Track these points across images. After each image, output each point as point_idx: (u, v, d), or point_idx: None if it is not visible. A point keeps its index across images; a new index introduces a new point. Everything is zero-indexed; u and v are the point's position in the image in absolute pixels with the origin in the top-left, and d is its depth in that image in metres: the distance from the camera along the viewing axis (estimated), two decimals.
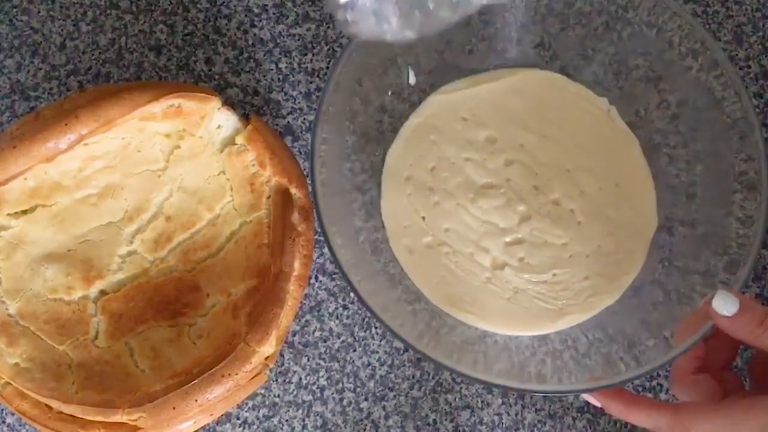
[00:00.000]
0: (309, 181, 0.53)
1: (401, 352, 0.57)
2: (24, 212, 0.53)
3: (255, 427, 0.56)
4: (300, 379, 0.57)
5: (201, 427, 0.54)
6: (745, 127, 0.44)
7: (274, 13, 0.62)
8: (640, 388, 0.56)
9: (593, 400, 0.43)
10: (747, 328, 0.39)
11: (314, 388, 0.57)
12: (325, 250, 0.58)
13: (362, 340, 0.57)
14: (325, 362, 0.57)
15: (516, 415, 0.56)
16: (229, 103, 0.57)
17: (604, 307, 0.50)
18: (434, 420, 0.56)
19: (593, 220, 0.51)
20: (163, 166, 0.55)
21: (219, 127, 0.55)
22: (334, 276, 0.58)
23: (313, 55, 0.62)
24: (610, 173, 0.52)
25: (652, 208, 0.51)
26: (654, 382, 0.57)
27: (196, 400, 0.49)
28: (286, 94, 0.61)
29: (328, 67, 0.61)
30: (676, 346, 0.42)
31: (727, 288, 0.41)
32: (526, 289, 0.51)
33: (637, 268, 0.50)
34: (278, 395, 0.57)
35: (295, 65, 0.62)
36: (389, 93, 0.53)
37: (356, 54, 0.47)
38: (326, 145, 0.47)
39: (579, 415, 0.56)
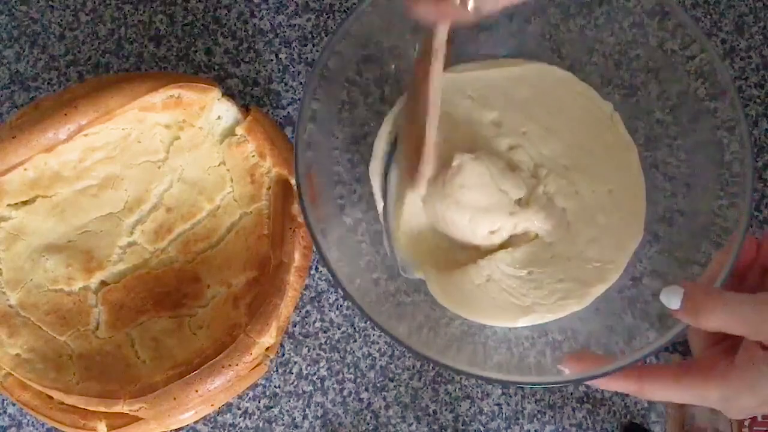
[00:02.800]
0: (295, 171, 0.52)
1: None
2: (24, 203, 0.53)
3: (256, 417, 0.57)
4: (300, 369, 0.57)
5: (202, 418, 0.54)
6: (733, 121, 0.44)
7: (274, 4, 0.62)
8: None
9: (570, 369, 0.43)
10: (689, 319, 0.39)
11: (315, 378, 0.57)
12: None
13: (362, 330, 0.58)
14: (325, 353, 0.57)
15: (516, 405, 0.56)
16: (228, 94, 0.56)
17: (571, 312, 0.50)
18: (434, 410, 0.57)
19: (582, 224, 0.51)
20: (163, 156, 0.55)
21: (219, 117, 0.55)
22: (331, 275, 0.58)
23: (313, 45, 0.61)
24: (605, 178, 0.51)
25: (641, 220, 0.51)
26: None
27: (197, 391, 0.49)
28: (286, 84, 0.61)
29: None
30: (562, 369, 0.43)
31: (670, 286, 0.40)
32: (499, 280, 0.50)
33: (612, 279, 0.50)
34: (279, 386, 0.57)
35: (295, 56, 0.61)
36: (392, 66, 0.52)
37: (356, 27, 0.47)
38: (320, 135, 0.47)
39: (579, 405, 0.57)
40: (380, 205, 0.52)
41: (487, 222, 0.50)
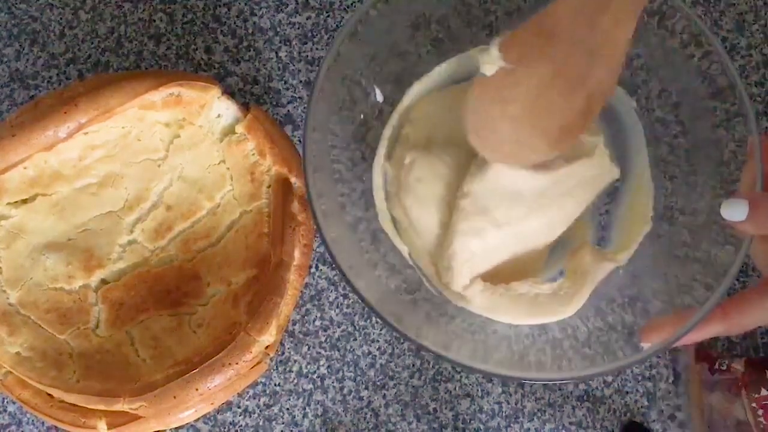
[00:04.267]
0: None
1: (401, 341, 0.57)
2: (24, 201, 0.53)
3: (256, 415, 0.57)
4: (300, 367, 0.57)
5: (202, 416, 0.54)
6: (740, 116, 0.44)
7: (273, 2, 0.62)
8: (640, 377, 0.57)
9: (647, 342, 0.42)
10: (761, 228, 0.37)
11: (315, 376, 0.57)
12: None
13: (362, 329, 0.58)
14: (325, 351, 0.57)
15: (516, 403, 0.57)
16: (228, 92, 0.56)
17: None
18: (434, 409, 0.57)
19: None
20: (163, 155, 0.55)
21: (219, 116, 0.55)
22: (334, 265, 0.58)
23: (313, 43, 0.61)
24: None
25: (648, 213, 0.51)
26: (654, 371, 0.57)
27: (197, 389, 0.49)
28: (286, 83, 0.61)
29: None
30: (644, 344, 0.42)
31: (731, 196, 0.39)
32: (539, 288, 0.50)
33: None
34: (279, 384, 0.57)
35: (295, 54, 0.61)
36: (394, 64, 0.52)
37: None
38: (319, 133, 0.47)
39: (579, 403, 0.57)
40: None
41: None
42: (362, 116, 0.52)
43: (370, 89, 0.52)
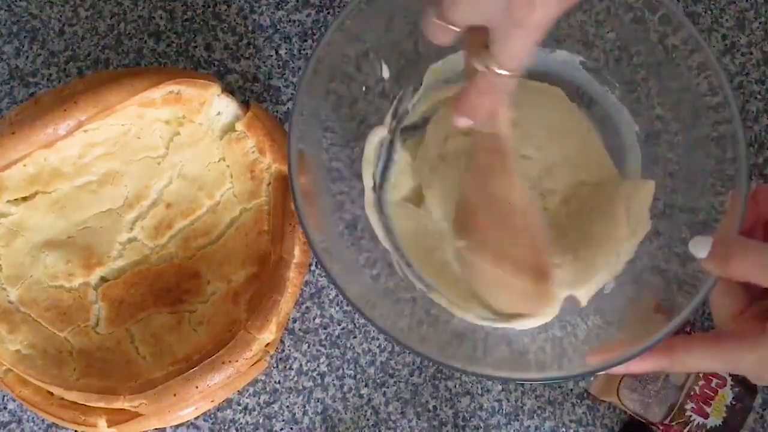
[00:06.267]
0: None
1: None
2: (24, 199, 0.53)
3: (256, 413, 0.57)
4: (300, 365, 0.57)
5: (202, 414, 0.54)
6: (728, 118, 0.44)
7: None
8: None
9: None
10: (718, 267, 0.38)
11: (315, 374, 0.57)
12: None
13: (362, 326, 0.58)
14: (325, 349, 0.57)
15: (516, 401, 0.57)
16: (228, 90, 0.56)
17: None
18: (434, 406, 0.57)
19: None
20: (163, 152, 0.55)
21: (219, 113, 0.55)
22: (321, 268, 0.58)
23: (313, 41, 0.61)
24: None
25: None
26: None
27: (197, 387, 0.49)
28: (286, 80, 0.61)
29: None
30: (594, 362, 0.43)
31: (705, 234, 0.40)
32: None
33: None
34: (279, 381, 0.57)
35: (295, 51, 0.61)
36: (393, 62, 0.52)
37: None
38: (319, 131, 0.47)
39: (578, 401, 0.57)
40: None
41: None
42: (361, 113, 0.52)
43: (377, 68, 0.51)
